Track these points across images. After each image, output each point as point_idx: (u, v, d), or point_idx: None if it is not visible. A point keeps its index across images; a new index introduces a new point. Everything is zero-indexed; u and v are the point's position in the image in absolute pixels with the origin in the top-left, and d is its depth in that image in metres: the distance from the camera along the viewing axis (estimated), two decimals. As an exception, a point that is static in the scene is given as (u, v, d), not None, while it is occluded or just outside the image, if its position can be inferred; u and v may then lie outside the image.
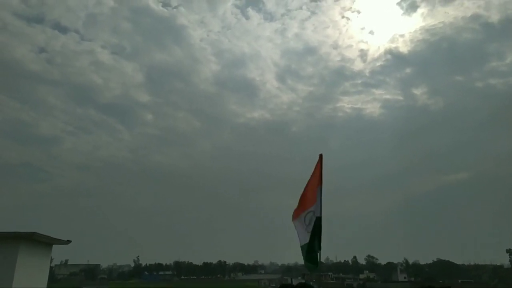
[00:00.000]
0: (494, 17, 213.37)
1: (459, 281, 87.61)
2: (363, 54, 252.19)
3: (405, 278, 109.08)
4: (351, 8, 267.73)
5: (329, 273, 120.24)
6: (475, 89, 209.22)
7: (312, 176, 6.66)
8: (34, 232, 7.21)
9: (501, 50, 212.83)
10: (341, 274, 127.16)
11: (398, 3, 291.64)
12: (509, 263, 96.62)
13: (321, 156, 6.59)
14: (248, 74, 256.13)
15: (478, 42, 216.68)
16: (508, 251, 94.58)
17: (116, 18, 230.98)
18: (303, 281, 78.12)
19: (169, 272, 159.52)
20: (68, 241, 8.76)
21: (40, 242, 7.99)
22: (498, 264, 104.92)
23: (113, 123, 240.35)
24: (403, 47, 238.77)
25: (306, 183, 6.74)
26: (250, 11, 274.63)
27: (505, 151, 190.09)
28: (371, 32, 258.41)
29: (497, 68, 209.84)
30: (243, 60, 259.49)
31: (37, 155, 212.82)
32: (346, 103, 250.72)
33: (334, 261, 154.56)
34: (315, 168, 6.59)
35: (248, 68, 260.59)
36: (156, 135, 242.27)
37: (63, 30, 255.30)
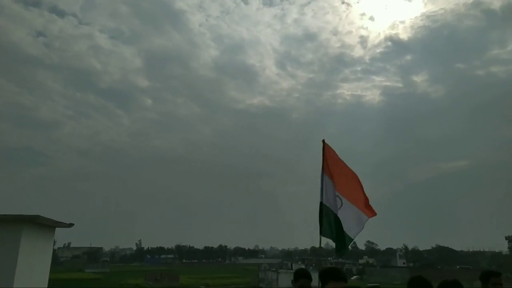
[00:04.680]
0: (496, 3, 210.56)
1: (458, 267, 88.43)
2: (363, 40, 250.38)
3: (404, 263, 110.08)
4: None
5: (329, 258, 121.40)
6: (476, 77, 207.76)
7: (334, 162, 6.55)
8: (37, 215, 7.24)
9: (503, 37, 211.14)
10: (340, 259, 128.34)
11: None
12: (507, 249, 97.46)
13: (323, 141, 6.57)
14: (248, 60, 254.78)
15: (479, 29, 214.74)
16: (507, 238, 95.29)
17: (113, 2, 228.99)
18: (303, 265, 78.84)
19: (171, 256, 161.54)
20: (71, 224, 8.82)
21: (43, 225, 8.04)
22: (497, 250, 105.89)
23: (112, 107, 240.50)
24: (404, 34, 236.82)
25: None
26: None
27: (505, 139, 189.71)
28: (371, 18, 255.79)
29: (499, 56, 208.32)
30: (242, 46, 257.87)
31: (37, 139, 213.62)
32: (346, 90, 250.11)
33: (334, 247, 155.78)
34: (329, 154, 6.52)
35: (247, 54, 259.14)
36: (155, 120, 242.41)
37: (61, 14, 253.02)
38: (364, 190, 6.53)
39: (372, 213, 6.44)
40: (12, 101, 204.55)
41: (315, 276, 3.72)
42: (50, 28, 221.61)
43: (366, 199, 6.50)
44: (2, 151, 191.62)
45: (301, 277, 3.89)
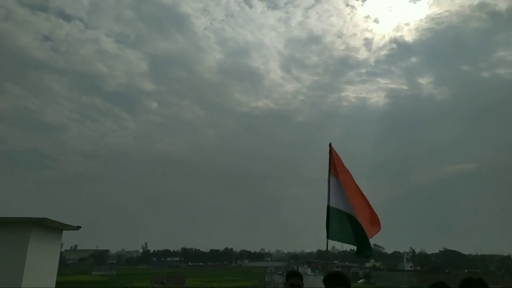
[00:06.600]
0: (502, 5, 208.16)
1: (466, 271, 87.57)
2: (367, 43, 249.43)
3: (411, 267, 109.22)
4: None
5: (335, 262, 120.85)
6: (482, 79, 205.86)
7: (341, 167, 6.53)
8: (45, 218, 7.30)
9: (508, 39, 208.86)
10: (347, 262, 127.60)
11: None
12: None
13: (330, 145, 6.55)
14: (252, 63, 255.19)
15: (485, 31, 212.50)
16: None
17: (119, 6, 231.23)
18: (309, 269, 78.45)
19: (177, 259, 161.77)
20: (78, 227, 8.88)
21: (50, 227, 8.10)
22: (506, 254, 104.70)
23: (118, 111, 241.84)
24: (408, 36, 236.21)
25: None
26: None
27: (511, 141, 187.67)
28: (376, 21, 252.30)
29: (504, 58, 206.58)
30: (246, 49, 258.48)
31: (44, 142, 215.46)
32: (351, 93, 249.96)
33: (340, 250, 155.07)
34: (336, 158, 6.51)
35: (252, 57, 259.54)
36: (160, 123, 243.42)
37: (67, 18, 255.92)
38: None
39: (375, 230, 6.41)
40: (19, 105, 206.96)
41: (320, 280, 3.72)
42: (56, 32, 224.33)
43: (373, 214, 6.50)
44: (9, 154, 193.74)
45: (291, 276, 4.01)
